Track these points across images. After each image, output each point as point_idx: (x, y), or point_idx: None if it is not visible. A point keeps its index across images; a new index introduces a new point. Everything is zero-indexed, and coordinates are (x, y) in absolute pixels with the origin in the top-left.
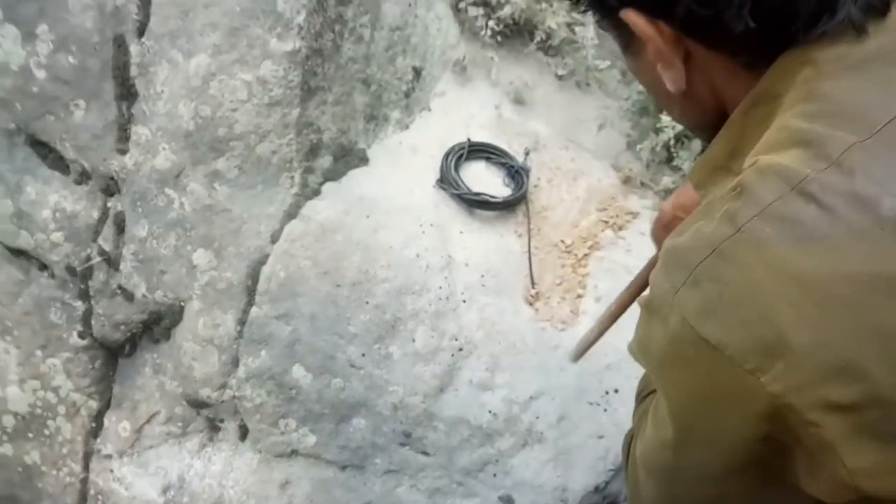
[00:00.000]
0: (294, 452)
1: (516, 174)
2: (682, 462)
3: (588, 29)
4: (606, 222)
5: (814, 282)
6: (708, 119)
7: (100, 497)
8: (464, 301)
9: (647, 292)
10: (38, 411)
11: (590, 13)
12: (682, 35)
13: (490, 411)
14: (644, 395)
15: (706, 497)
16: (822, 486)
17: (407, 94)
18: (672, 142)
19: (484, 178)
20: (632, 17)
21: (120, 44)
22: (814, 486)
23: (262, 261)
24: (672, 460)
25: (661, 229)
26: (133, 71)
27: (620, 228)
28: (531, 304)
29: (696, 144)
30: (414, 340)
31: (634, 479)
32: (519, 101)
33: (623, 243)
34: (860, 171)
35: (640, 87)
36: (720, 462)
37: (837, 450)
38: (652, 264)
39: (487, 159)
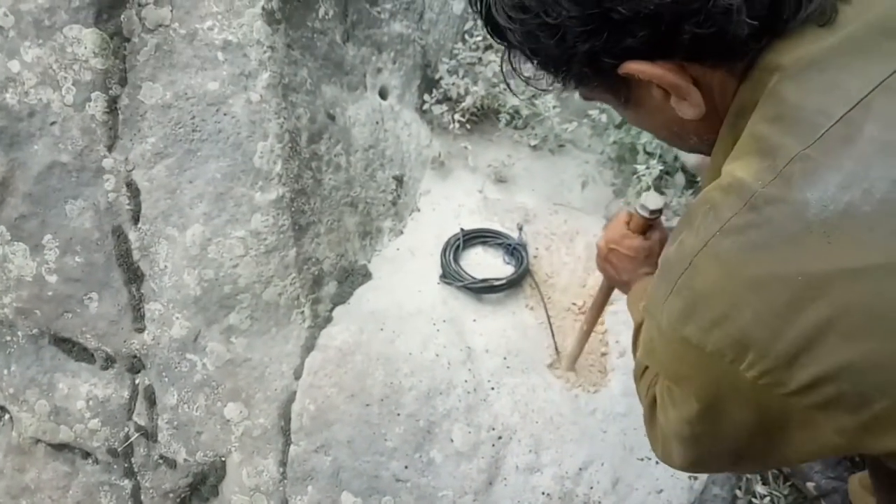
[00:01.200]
0: None
1: (514, 250)
2: (700, 435)
3: (547, 99)
4: None
5: (760, 285)
6: None
7: None
8: (492, 388)
9: (645, 301)
10: None
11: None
12: (684, 63)
13: (543, 492)
14: (644, 367)
15: (727, 456)
16: (824, 448)
17: (394, 203)
18: (654, 182)
19: (485, 262)
20: (633, 66)
21: (119, 234)
22: (816, 449)
23: (291, 399)
24: (691, 433)
25: (603, 262)
26: (135, 255)
27: None
28: (559, 374)
29: (679, 178)
30: (452, 440)
31: (664, 442)
32: (501, 179)
33: None
34: (797, 181)
35: (613, 138)
36: (731, 436)
37: (818, 418)
38: (604, 288)
39: (484, 243)
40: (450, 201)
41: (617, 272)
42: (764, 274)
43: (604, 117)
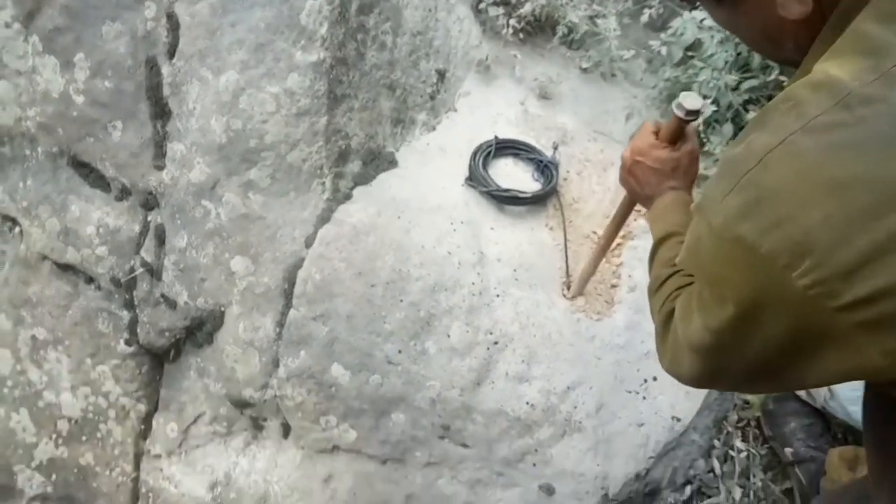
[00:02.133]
0: (336, 448)
1: (545, 168)
2: (725, 345)
3: (610, 21)
4: (638, 211)
5: (839, 186)
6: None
7: (150, 495)
8: (497, 296)
9: (700, 198)
10: (91, 416)
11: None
12: None
13: (528, 402)
14: (661, 281)
15: (742, 373)
16: (854, 371)
17: (432, 97)
18: (702, 128)
19: (513, 174)
20: None
21: (152, 66)
22: (846, 370)
23: (298, 265)
24: (714, 343)
25: (626, 174)
26: (166, 91)
27: None
28: (565, 296)
29: (728, 129)
30: (449, 336)
31: (675, 353)
32: (545, 96)
33: None
34: None
35: (667, 75)
36: (757, 349)
37: (862, 338)
38: (625, 203)
39: (516, 155)
40: (489, 107)
41: (640, 185)
42: (846, 176)
43: (664, 50)
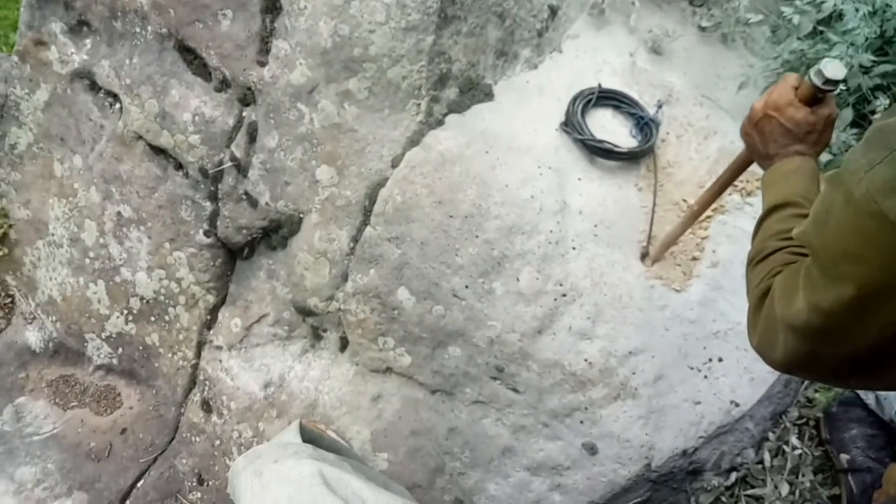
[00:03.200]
0: (389, 370)
1: (645, 126)
2: (833, 328)
3: None
4: (735, 186)
5: None
6: None
7: (207, 383)
8: (573, 248)
9: (840, 168)
10: (161, 298)
11: None
12: None
13: (586, 360)
14: (765, 254)
15: (843, 361)
16: None
17: (540, 33)
18: None
19: (610, 127)
20: None
21: None
22: None
23: (381, 183)
24: (821, 325)
25: (751, 127)
26: None
27: (749, 194)
28: (643, 261)
29: (847, 114)
30: (518, 280)
31: (768, 332)
32: (656, 50)
33: (750, 210)
34: None
35: (793, 47)
36: (872, 337)
37: None
38: (739, 162)
39: (616, 108)
40: (596, 54)
41: (764, 143)
42: None
43: (795, 19)
